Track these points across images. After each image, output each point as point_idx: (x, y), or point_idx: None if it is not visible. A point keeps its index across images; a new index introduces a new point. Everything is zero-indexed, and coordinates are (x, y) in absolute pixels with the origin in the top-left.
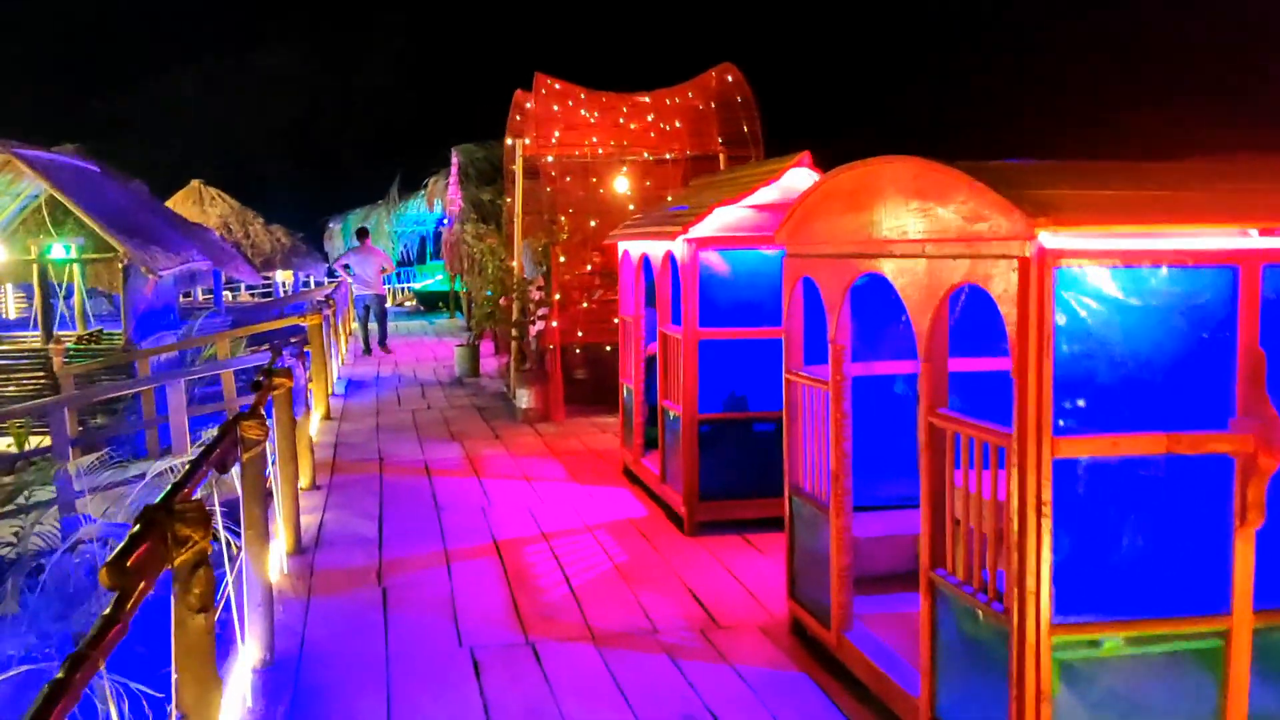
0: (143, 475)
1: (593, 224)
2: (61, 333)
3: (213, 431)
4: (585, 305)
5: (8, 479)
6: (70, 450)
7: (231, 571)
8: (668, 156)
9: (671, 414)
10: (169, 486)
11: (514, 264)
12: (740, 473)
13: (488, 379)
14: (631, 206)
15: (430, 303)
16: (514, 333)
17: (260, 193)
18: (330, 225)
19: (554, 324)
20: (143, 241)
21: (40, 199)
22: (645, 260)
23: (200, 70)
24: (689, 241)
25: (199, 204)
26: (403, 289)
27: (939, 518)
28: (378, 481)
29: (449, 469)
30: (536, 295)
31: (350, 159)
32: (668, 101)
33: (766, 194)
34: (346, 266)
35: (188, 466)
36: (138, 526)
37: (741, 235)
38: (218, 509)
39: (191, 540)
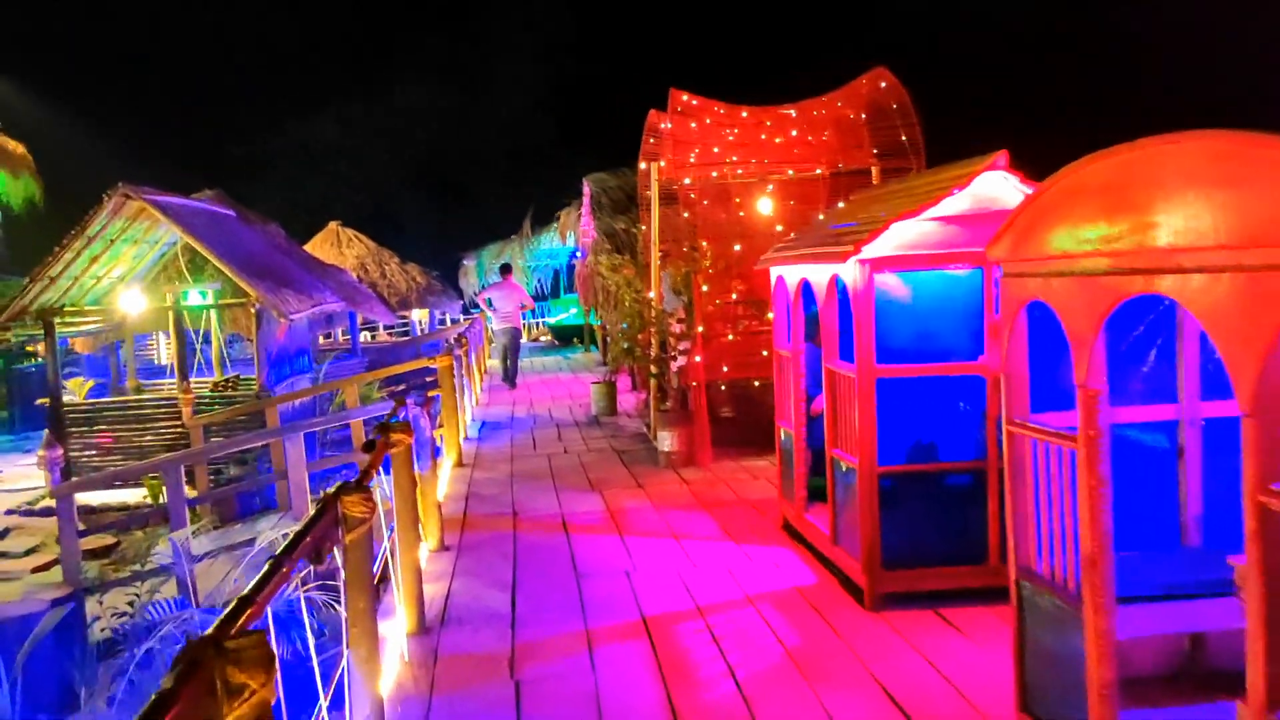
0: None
1: (736, 249)
2: (199, 379)
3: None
4: (730, 338)
5: (120, 541)
6: (187, 512)
7: (334, 679)
8: (818, 171)
9: (843, 465)
10: (222, 614)
11: (651, 295)
12: (930, 535)
13: (626, 418)
14: (780, 228)
15: (565, 337)
16: (653, 369)
17: (397, 231)
18: (465, 262)
19: (697, 359)
20: (274, 285)
21: (177, 245)
22: (805, 287)
23: (338, 112)
24: (863, 263)
25: (336, 245)
26: (537, 323)
27: None
28: (511, 541)
29: (589, 524)
30: (677, 328)
31: (484, 194)
32: (815, 113)
33: (954, 203)
34: (488, 300)
35: (262, 573)
36: (173, 675)
37: (925, 253)
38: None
39: (248, 689)
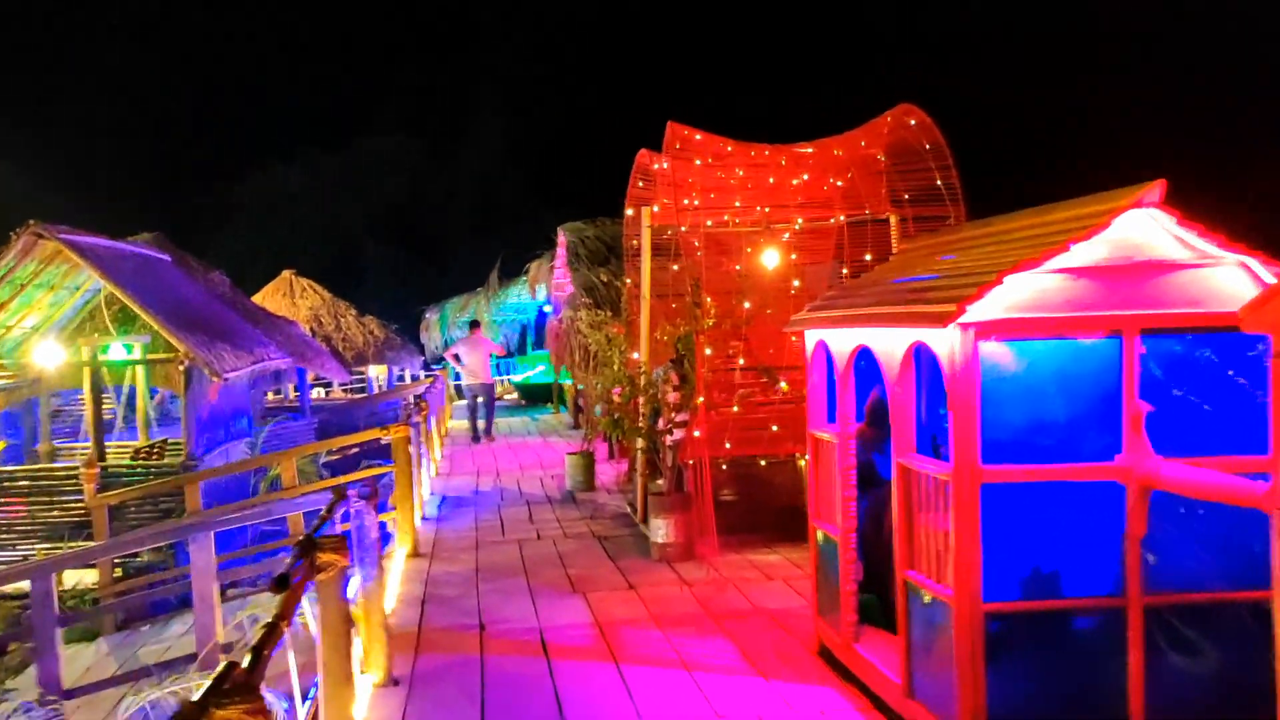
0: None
1: (746, 306)
2: (123, 444)
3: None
4: (735, 409)
5: None
6: (57, 633)
7: None
8: (834, 220)
9: (925, 596)
10: None
11: (641, 357)
12: (1053, 696)
13: (605, 494)
14: (798, 282)
15: (533, 396)
16: (640, 443)
17: (358, 283)
18: (427, 315)
19: (696, 433)
20: (208, 339)
21: (102, 293)
22: (865, 356)
23: (302, 161)
24: (965, 328)
25: (289, 296)
26: (502, 380)
27: None
28: (479, 669)
29: (574, 644)
30: (673, 397)
31: (449, 247)
32: (836, 153)
33: (1087, 251)
34: (456, 357)
35: None
36: None
37: (1050, 317)
38: None
39: None
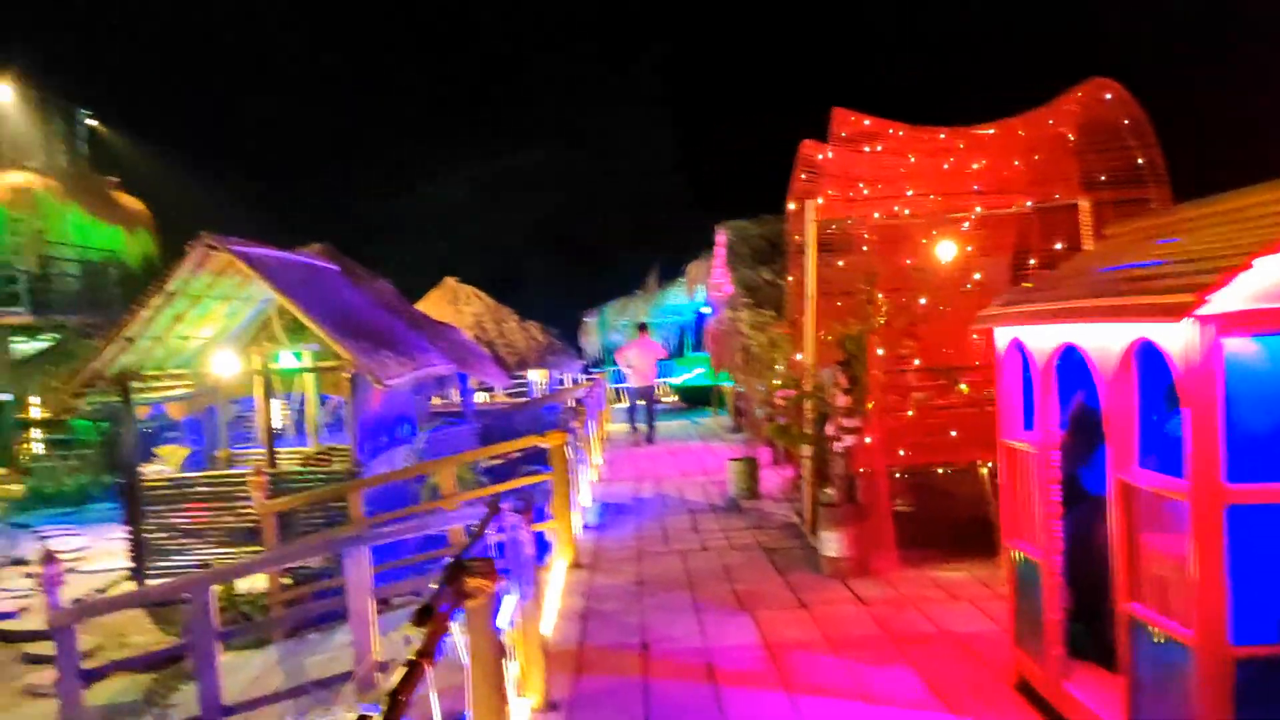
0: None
1: (922, 302)
2: (293, 450)
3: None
4: (910, 413)
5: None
6: (216, 647)
7: None
8: (1019, 206)
9: (1155, 634)
10: None
11: (806, 359)
12: None
13: (771, 502)
14: (978, 275)
15: (692, 399)
16: (805, 450)
17: (518, 290)
18: (585, 320)
19: (868, 440)
20: (372, 347)
21: (273, 303)
22: (1070, 355)
23: (464, 173)
24: (1206, 321)
25: (453, 303)
26: (660, 384)
27: None
28: (642, 696)
29: (743, 670)
30: (842, 401)
31: (607, 251)
32: (1020, 133)
33: None
34: (625, 359)
35: None
36: None
37: None
38: None
39: None
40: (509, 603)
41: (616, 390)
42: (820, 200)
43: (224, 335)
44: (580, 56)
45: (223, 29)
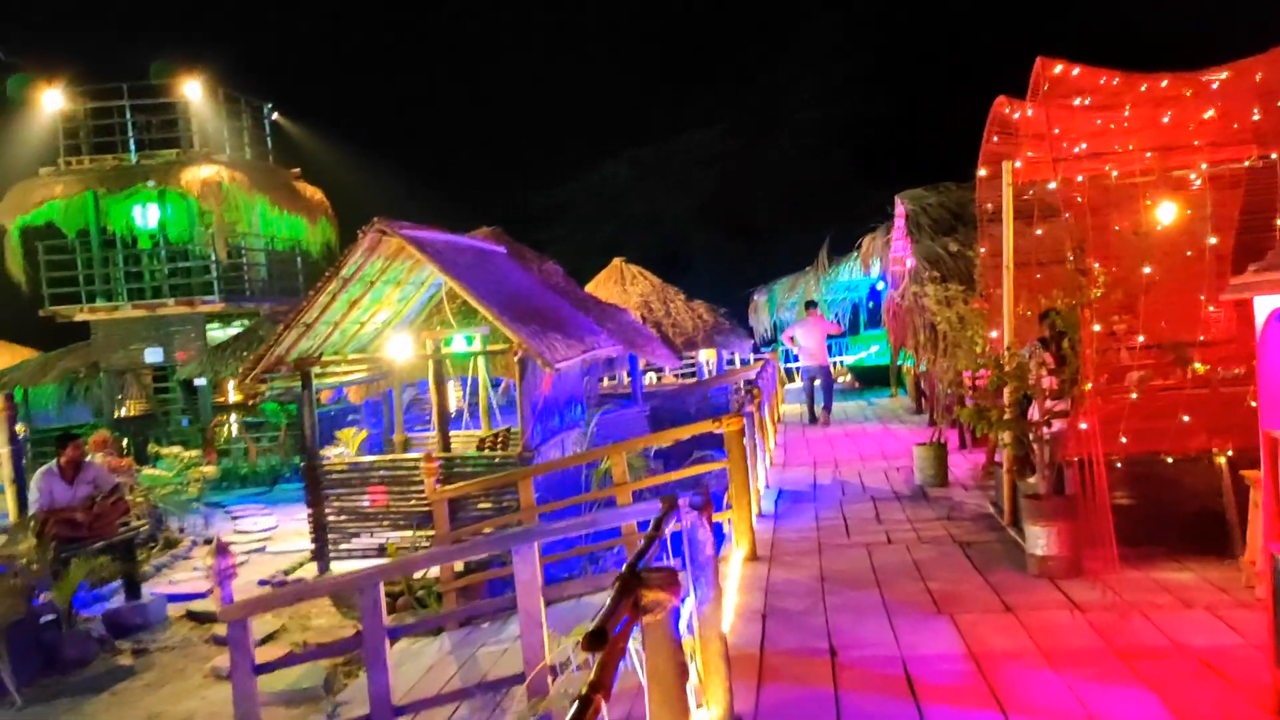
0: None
1: (1146, 271)
2: (468, 434)
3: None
4: (1133, 395)
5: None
6: (386, 644)
7: None
8: (1247, 163)
9: None
10: None
11: (1004, 336)
12: None
13: (961, 490)
14: (1214, 239)
15: (868, 379)
16: (1006, 436)
17: (685, 270)
18: (754, 298)
19: (1083, 425)
20: (540, 330)
21: (444, 287)
22: None
23: (630, 156)
24: None
25: (620, 283)
26: (834, 364)
27: None
28: (832, 709)
29: (945, 683)
30: (1048, 382)
31: (775, 228)
32: (1259, 76)
33: None
34: (793, 338)
35: None
36: None
37: None
38: None
39: None
40: (687, 605)
41: (788, 371)
42: (1018, 163)
43: (398, 319)
44: (746, 29)
45: (397, 17)
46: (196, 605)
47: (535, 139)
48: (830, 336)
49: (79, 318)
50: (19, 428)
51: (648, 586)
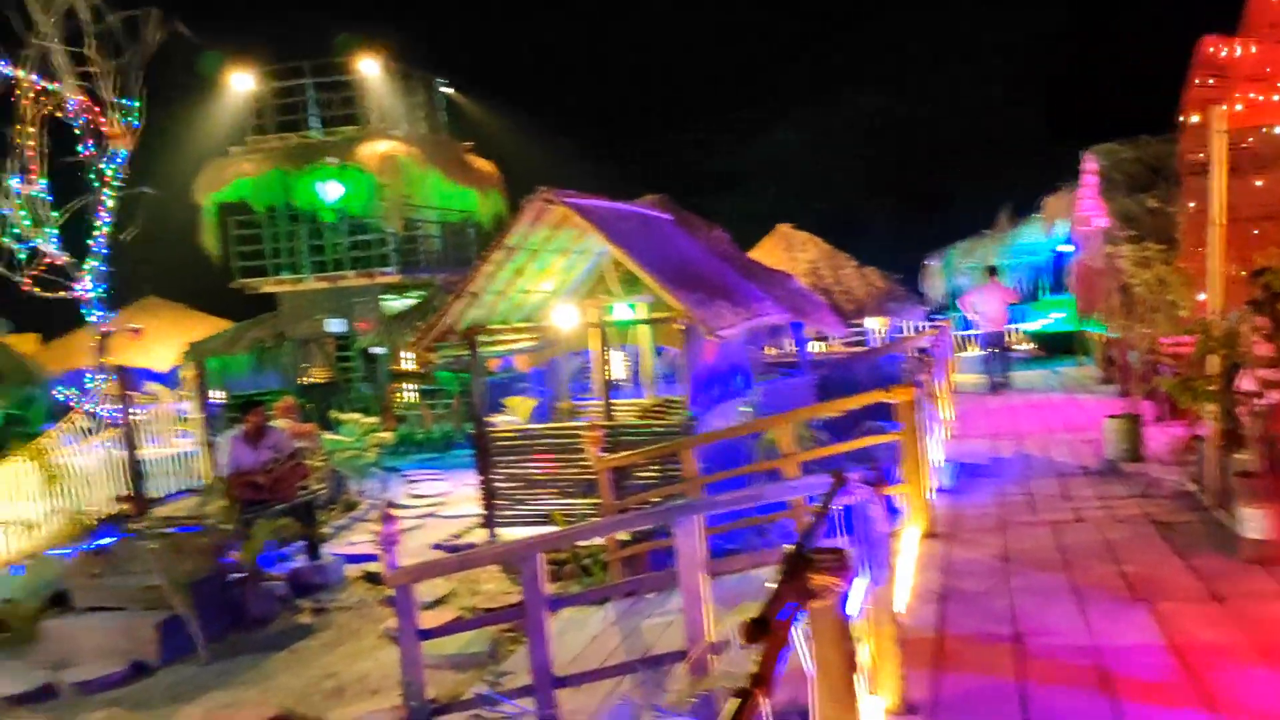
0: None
1: None
2: (630, 402)
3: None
4: None
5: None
6: (545, 616)
7: None
8: None
9: None
10: None
11: (1211, 299)
12: None
13: (1158, 466)
14: None
15: (1051, 346)
16: (1212, 408)
17: (856, 235)
18: (929, 263)
19: None
20: (705, 298)
21: (608, 255)
22: None
23: (798, 123)
24: None
25: (788, 249)
26: (1014, 330)
27: None
28: (1017, 702)
29: (1146, 678)
30: (1263, 349)
31: (950, 192)
32: None
33: None
34: (971, 305)
35: None
36: None
37: None
38: None
39: None
40: (858, 586)
41: (964, 338)
42: (1231, 107)
43: (563, 288)
44: None
45: None
46: (372, 567)
47: (705, 106)
48: (1009, 305)
49: (266, 289)
50: (219, 394)
51: (815, 569)
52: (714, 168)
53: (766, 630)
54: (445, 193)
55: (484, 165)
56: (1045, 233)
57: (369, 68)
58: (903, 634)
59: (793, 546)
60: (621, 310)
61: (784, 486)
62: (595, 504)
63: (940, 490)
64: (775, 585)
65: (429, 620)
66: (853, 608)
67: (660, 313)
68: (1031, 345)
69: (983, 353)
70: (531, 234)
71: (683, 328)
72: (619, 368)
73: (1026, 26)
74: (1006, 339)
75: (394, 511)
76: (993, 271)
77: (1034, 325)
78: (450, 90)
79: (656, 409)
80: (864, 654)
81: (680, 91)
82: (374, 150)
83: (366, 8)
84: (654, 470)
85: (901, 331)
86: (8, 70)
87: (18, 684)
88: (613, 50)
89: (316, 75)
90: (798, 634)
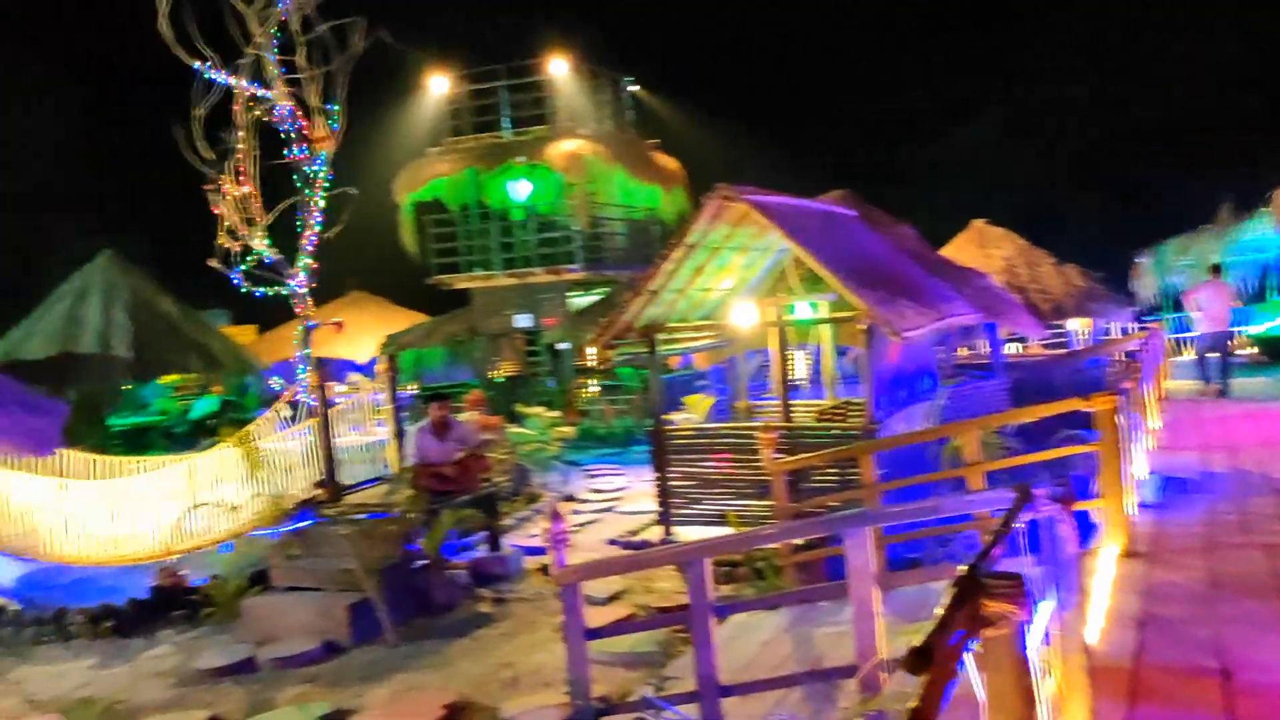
0: None
1: None
2: (808, 403)
3: None
4: None
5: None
6: (711, 623)
7: None
8: None
9: None
10: None
11: None
12: None
13: None
14: None
15: (1275, 351)
16: None
17: (1056, 232)
18: (1138, 261)
19: None
20: (889, 296)
21: (789, 253)
22: None
23: (992, 115)
24: None
25: (981, 246)
26: (1236, 332)
27: None
28: None
29: None
30: None
31: (1163, 183)
32: None
33: None
34: (1195, 303)
35: None
36: None
37: None
38: None
39: None
40: (1042, 611)
41: (1177, 341)
42: None
43: (743, 286)
44: None
45: None
46: (549, 560)
47: (894, 97)
48: (1233, 306)
49: (460, 285)
50: (412, 386)
51: (990, 595)
52: (904, 160)
53: (930, 661)
54: (630, 190)
55: (669, 162)
56: (1274, 228)
57: (558, 68)
58: (1094, 663)
59: (965, 567)
60: (802, 309)
61: (963, 500)
62: (770, 506)
63: (1142, 506)
64: (943, 611)
65: (602, 616)
66: (1034, 636)
67: (842, 312)
68: (1255, 350)
69: (1199, 356)
70: (711, 231)
71: (865, 327)
72: (799, 367)
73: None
74: (1228, 342)
75: (573, 505)
76: (1216, 269)
77: (1259, 328)
78: (636, 88)
79: (836, 411)
80: (1049, 684)
81: (870, 83)
82: (562, 149)
83: (557, 8)
84: (832, 474)
85: (1107, 333)
86: (227, 79)
87: (222, 657)
88: (800, 43)
89: (510, 77)
90: (969, 661)
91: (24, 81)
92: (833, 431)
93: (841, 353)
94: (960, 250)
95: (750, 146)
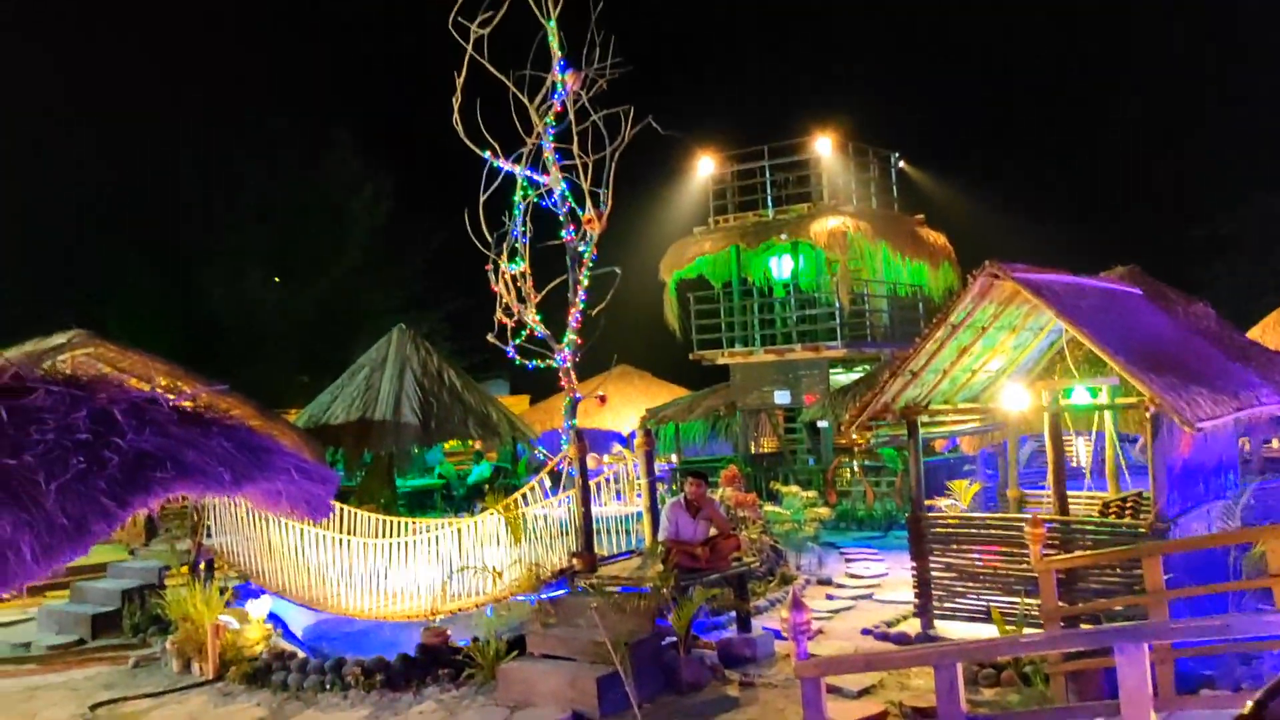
0: None
1: None
2: (1090, 494)
3: None
4: None
5: None
6: None
7: None
8: None
9: None
10: None
11: None
12: None
13: None
14: None
15: None
16: None
17: None
18: None
19: None
20: (1179, 381)
21: (1065, 334)
22: None
23: None
24: None
25: None
26: None
27: None
28: None
29: None
30: None
31: None
32: None
33: None
34: None
35: None
36: None
37: None
38: None
39: None
40: None
41: None
42: None
43: (1013, 367)
44: None
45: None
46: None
47: (1187, 166)
48: None
49: (720, 361)
50: (671, 457)
51: None
52: (1198, 232)
53: None
54: (895, 266)
55: (935, 237)
56: None
57: (823, 146)
58: None
59: (1251, 704)
60: (1080, 393)
61: (1261, 620)
62: (1039, 606)
63: None
64: None
65: (850, 712)
66: None
67: (1126, 397)
68: None
69: None
70: (977, 310)
71: (1151, 415)
72: (1080, 454)
73: None
74: None
75: (828, 589)
76: None
77: None
78: (903, 164)
79: (1118, 505)
80: None
81: (1159, 149)
82: (824, 226)
83: (822, 84)
84: (1114, 575)
85: None
86: (511, 167)
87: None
88: (1076, 111)
89: (774, 157)
90: None
91: (344, 179)
92: (1115, 528)
93: (1129, 441)
94: (1271, 332)
95: (1025, 219)
